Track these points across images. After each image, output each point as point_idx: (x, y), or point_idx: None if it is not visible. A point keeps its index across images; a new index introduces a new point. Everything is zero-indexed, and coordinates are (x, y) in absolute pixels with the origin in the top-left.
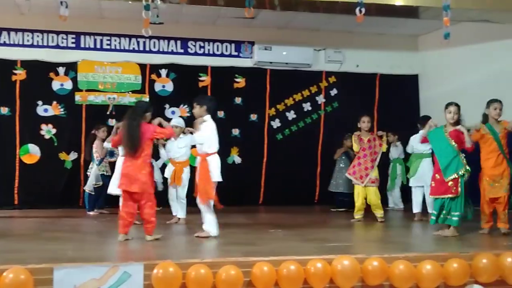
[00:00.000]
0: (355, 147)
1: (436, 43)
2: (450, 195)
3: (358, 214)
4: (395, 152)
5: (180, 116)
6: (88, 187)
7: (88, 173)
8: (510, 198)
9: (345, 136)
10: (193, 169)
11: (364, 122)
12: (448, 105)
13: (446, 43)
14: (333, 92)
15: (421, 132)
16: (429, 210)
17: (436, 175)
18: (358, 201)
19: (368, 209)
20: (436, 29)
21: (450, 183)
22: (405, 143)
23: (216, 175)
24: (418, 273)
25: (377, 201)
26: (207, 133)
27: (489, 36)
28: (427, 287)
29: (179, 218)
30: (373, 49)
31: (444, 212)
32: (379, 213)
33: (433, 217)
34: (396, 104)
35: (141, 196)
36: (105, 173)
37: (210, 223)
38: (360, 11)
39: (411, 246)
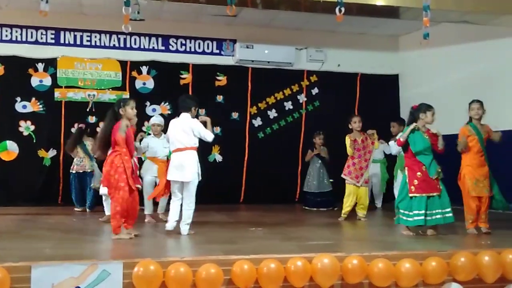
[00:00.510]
0: (349, 151)
1: (416, 43)
2: (437, 193)
3: (345, 214)
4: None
5: (161, 114)
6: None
7: (72, 170)
8: (497, 197)
9: (316, 133)
10: None
11: (356, 123)
12: (431, 107)
13: (425, 43)
14: (315, 91)
15: (401, 134)
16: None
17: (418, 173)
18: (349, 201)
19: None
20: (416, 30)
21: (435, 180)
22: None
23: None
24: (397, 271)
25: (367, 202)
26: None
27: (468, 37)
28: (406, 285)
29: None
30: (355, 48)
31: (428, 212)
32: (362, 212)
33: (421, 217)
34: (376, 103)
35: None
36: (80, 171)
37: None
38: (340, 11)
39: (391, 245)
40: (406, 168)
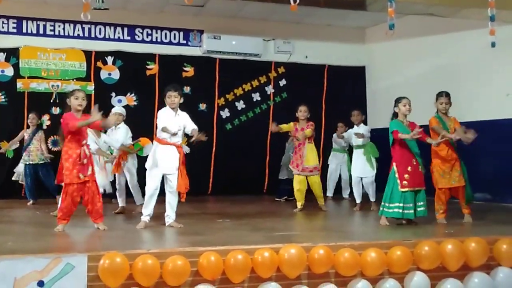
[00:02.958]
0: (285, 127)
1: (383, 35)
2: (423, 188)
3: (299, 204)
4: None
5: (127, 105)
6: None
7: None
8: (467, 189)
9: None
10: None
11: (301, 111)
12: (401, 98)
13: (391, 34)
14: (282, 82)
15: (405, 136)
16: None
17: (409, 167)
18: (296, 190)
19: (312, 198)
20: (383, 22)
21: (422, 174)
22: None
23: None
24: (362, 260)
25: (319, 191)
26: None
27: (434, 29)
28: (371, 274)
29: (123, 207)
30: (322, 40)
31: (410, 205)
32: (320, 202)
33: (396, 210)
34: (343, 95)
35: None
36: (29, 163)
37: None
38: (295, 1)
39: (356, 235)
40: (394, 163)
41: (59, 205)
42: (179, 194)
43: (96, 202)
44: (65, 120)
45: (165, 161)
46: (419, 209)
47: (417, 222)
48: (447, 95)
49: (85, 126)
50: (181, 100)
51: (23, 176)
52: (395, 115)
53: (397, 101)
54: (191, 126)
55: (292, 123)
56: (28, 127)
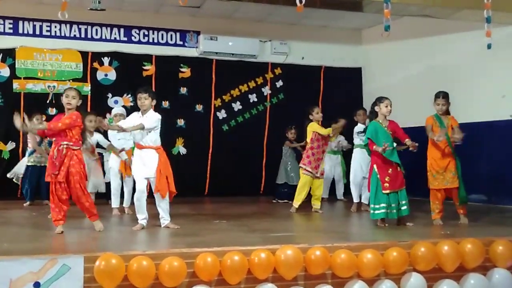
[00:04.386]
0: (326, 130)
1: (379, 37)
2: (403, 188)
3: (297, 204)
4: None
5: (123, 106)
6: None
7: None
8: (461, 190)
9: (288, 128)
10: None
11: (318, 113)
12: (383, 99)
13: (386, 35)
14: (279, 83)
15: (379, 149)
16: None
17: (389, 170)
18: (304, 192)
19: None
20: (379, 23)
21: (402, 174)
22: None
23: None
24: (359, 262)
25: (321, 193)
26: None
27: (430, 31)
28: (368, 276)
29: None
30: (318, 41)
31: (393, 205)
32: (317, 204)
33: (383, 211)
34: (340, 96)
35: None
36: (37, 164)
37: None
38: (300, 1)
39: (353, 236)
40: (374, 165)
41: (47, 206)
42: (170, 194)
43: (83, 201)
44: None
45: (142, 165)
46: (402, 208)
47: (411, 223)
48: (444, 96)
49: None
50: (153, 103)
51: (23, 176)
52: (374, 114)
53: (379, 100)
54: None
55: (315, 126)
56: None
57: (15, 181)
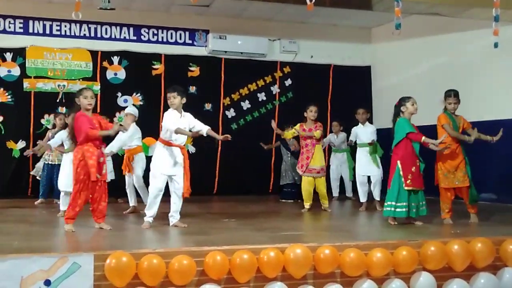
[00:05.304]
0: (288, 134)
1: (388, 35)
2: (422, 188)
3: (307, 204)
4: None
5: (133, 105)
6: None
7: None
8: (471, 189)
9: (286, 126)
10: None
11: (312, 111)
12: (408, 98)
13: (397, 34)
14: (288, 82)
15: (433, 141)
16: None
17: (413, 168)
18: (306, 192)
19: (315, 199)
20: (388, 22)
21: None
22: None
23: None
24: (368, 260)
25: (323, 191)
26: None
27: (439, 29)
28: (377, 275)
29: (134, 207)
30: (327, 40)
31: (413, 205)
32: (325, 203)
33: (404, 209)
34: (349, 95)
35: None
36: (51, 162)
37: None
38: (311, 0)
39: (361, 235)
40: (398, 161)
41: (61, 207)
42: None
43: (101, 201)
44: (79, 122)
45: (169, 162)
46: (421, 208)
47: (420, 222)
48: (456, 95)
49: (104, 135)
50: (184, 100)
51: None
52: (398, 115)
53: (404, 100)
54: (202, 127)
55: (293, 129)
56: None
57: (38, 178)
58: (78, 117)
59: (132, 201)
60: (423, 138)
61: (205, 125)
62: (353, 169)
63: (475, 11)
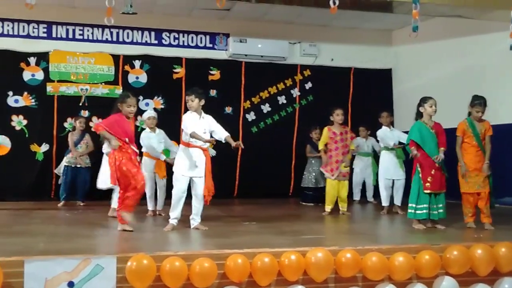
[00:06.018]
0: (321, 143)
1: (409, 38)
2: (444, 191)
3: (328, 208)
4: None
5: (154, 108)
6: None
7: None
8: (491, 195)
9: (313, 128)
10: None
11: (338, 115)
12: (427, 99)
13: (414, 36)
14: (308, 85)
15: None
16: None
17: (433, 170)
18: (330, 195)
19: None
20: (409, 24)
21: (444, 177)
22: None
23: None
24: (390, 264)
25: (345, 195)
26: None
27: (461, 31)
28: (399, 279)
29: (153, 211)
30: (348, 43)
31: (434, 207)
32: (344, 206)
33: (425, 211)
34: (369, 98)
35: None
36: (71, 165)
37: None
38: (334, 3)
39: (383, 238)
40: (418, 164)
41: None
42: (204, 197)
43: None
44: (110, 119)
45: (192, 165)
46: (440, 211)
47: (442, 226)
48: (484, 103)
49: (105, 138)
50: (202, 102)
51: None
52: (419, 115)
53: (423, 101)
54: (221, 133)
55: (325, 131)
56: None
57: (59, 175)
58: (112, 117)
59: (151, 205)
60: (413, 150)
61: (225, 131)
62: (376, 174)
63: (498, 13)
